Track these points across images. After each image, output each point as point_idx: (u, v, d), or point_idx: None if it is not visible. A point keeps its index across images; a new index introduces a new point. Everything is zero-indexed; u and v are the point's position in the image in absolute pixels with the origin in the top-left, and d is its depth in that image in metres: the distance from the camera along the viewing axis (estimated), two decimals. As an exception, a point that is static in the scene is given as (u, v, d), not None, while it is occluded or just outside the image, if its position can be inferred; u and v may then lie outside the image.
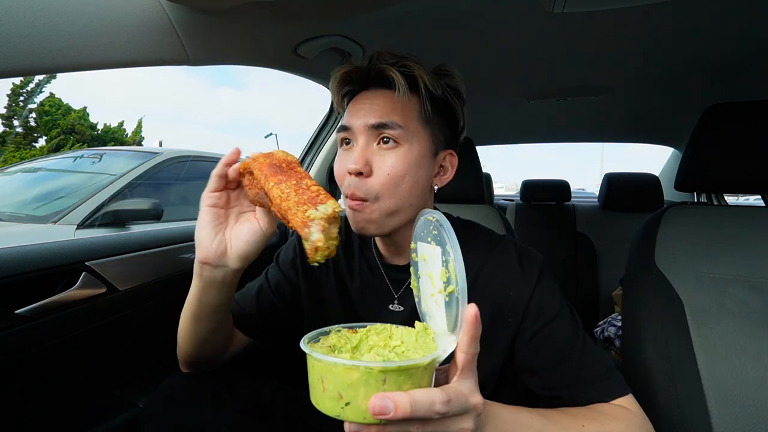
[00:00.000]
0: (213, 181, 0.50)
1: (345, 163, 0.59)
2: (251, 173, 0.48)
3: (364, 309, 0.68)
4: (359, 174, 0.57)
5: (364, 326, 0.46)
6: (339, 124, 0.64)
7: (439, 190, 0.67)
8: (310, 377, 0.38)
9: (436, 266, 0.42)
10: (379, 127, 0.58)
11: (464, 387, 0.36)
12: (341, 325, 0.46)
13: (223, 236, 0.51)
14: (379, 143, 0.59)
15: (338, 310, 0.69)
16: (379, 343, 0.43)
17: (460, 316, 0.37)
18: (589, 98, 1.41)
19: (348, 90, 0.66)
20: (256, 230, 0.51)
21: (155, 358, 0.96)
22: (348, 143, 0.62)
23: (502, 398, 0.47)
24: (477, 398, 0.36)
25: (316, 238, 0.40)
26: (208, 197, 0.51)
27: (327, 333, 0.44)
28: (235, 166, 0.50)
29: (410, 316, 0.63)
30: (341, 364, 0.34)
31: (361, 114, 0.60)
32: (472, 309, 0.36)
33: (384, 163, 0.58)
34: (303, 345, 0.39)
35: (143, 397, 0.87)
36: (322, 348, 0.41)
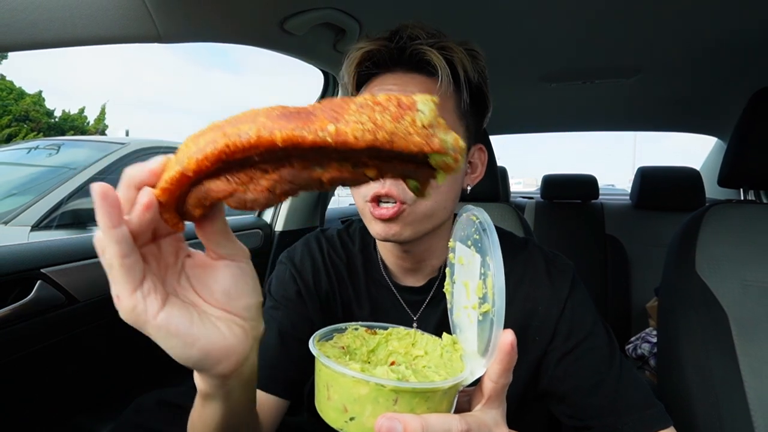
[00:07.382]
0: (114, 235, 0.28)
1: None
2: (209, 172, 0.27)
3: None
4: None
5: (385, 328, 0.46)
6: None
7: (471, 190, 0.66)
8: (317, 381, 0.38)
9: (473, 277, 0.41)
10: None
11: (488, 418, 0.35)
12: (360, 323, 0.46)
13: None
14: None
15: None
16: (400, 350, 0.43)
17: (494, 340, 0.36)
18: (620, 80, 1.41)
19: (365, 72, 0.61)
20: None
21: (121, 379, 0.96)
22: None
23: (523, 426, 0.47)
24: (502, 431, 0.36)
25: (452, 139, 0.27)
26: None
27: (342, 330, 0.45)
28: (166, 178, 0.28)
29: None
30: (350, 375, 0.34)
31: None
32: (509, 337, 0.35)
33: None
34: (312, 345, 0.39)
35: (109, 424, 0.87)
36: (333, 348, 0.41)
